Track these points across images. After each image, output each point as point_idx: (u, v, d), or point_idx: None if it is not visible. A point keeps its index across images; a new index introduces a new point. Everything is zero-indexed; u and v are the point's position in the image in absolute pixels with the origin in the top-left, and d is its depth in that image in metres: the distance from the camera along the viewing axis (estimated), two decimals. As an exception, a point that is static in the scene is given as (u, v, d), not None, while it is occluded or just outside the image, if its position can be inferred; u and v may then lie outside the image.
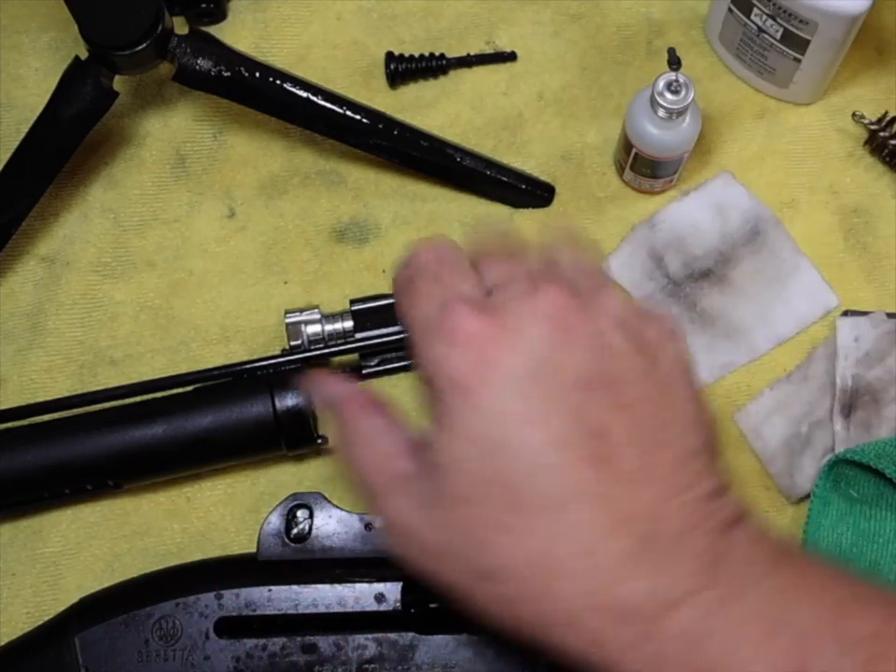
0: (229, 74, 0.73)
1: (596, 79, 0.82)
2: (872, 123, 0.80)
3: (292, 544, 0.64)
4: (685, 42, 0.83)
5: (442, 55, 0.82)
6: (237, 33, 0.83)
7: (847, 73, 0.82)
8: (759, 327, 0.76)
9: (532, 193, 0.79)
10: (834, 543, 0.70)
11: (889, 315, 0.74)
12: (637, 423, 0.43)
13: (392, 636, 0.61)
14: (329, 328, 0.72)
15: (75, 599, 0.65)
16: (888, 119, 0.79)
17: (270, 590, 0.62)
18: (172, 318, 0.77)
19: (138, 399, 0.69)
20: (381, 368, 0.74)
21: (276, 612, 0.61)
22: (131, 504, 0.72)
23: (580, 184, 0.80)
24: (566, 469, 0.41)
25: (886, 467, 0.66)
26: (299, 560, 0.63)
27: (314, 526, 0.64)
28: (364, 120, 0.75)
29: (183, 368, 0.75)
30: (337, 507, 0.64)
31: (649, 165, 0.76)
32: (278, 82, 0.74)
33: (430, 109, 0.82)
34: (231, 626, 0.62)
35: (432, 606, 0.61)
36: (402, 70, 0.81)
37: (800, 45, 0.75)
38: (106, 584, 0.67)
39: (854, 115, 0.81)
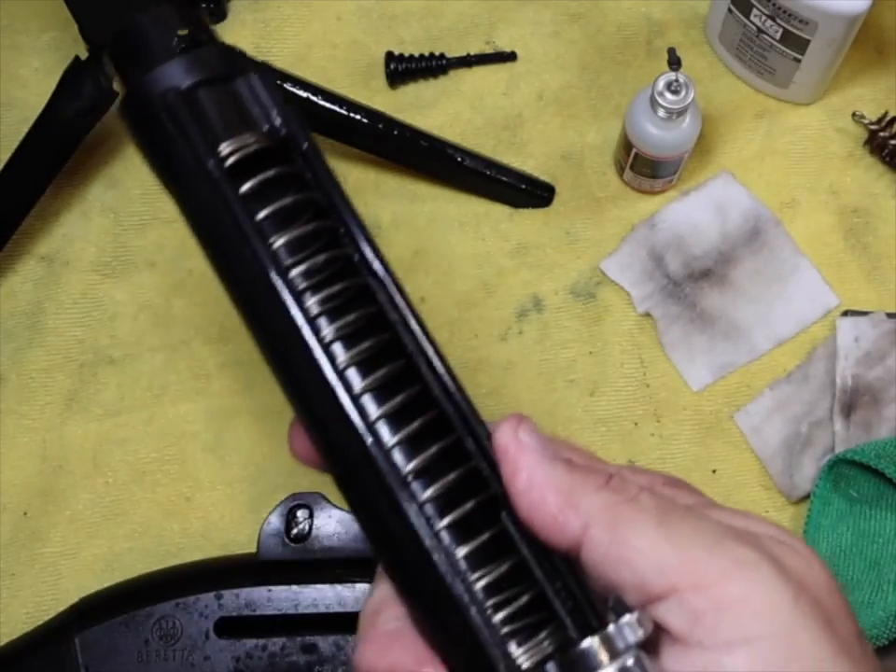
0: (229, 73, 0.72)
1: (596, 79, 0.82)
2: (872, 123, 0.79)
3: (292, 544, 0.64)
4: (685, 42, 0.83)
5: (442, 55, 0.82)
6: (237, 33, 0.83)
7: (847, 73, 0.82)
8: (759, 327, 0.76)
9: (532, 193, 0.79)
10: (834, 543, 0.70)
11: (890, 315, 0.74)
12: None
13: (392, 636, 0.61)
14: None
15: (74, 599, 0.65)
16: (888, 118, 0.79)
17: (270, 590, 0.62)
18: (171, 318, 0.77)
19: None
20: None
21: (276, 612, 0.61)
22: (130, 504, 0.72)
23: (580, 184, 0.80)
24: None
25: (886, 467, 0.66)
26: (299, 560, 0.63)
27: (314, 526, 0.64)
28: (364, 120, 0.75)
29: (183, 367, 0.75)
30: (337, 507, 0.64)
31: (649, 165, 0.75)
32: (278, 82, 0.73)
33: (430, 109, 0.81)
34: (231, 626, 0.62)
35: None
36: (402, 70, 0.81)
37: (800, 45, 0.75)
38: (106, 584, 0.67)
39: (854, 115, 0.81)
